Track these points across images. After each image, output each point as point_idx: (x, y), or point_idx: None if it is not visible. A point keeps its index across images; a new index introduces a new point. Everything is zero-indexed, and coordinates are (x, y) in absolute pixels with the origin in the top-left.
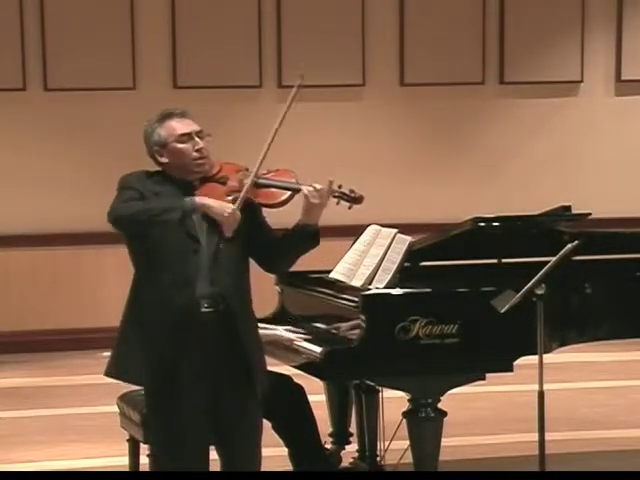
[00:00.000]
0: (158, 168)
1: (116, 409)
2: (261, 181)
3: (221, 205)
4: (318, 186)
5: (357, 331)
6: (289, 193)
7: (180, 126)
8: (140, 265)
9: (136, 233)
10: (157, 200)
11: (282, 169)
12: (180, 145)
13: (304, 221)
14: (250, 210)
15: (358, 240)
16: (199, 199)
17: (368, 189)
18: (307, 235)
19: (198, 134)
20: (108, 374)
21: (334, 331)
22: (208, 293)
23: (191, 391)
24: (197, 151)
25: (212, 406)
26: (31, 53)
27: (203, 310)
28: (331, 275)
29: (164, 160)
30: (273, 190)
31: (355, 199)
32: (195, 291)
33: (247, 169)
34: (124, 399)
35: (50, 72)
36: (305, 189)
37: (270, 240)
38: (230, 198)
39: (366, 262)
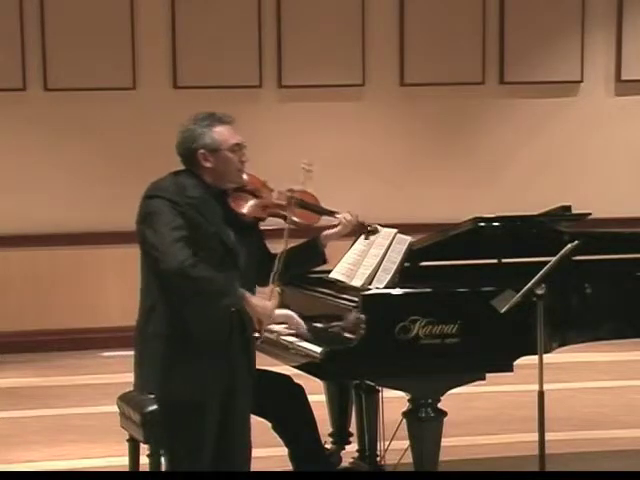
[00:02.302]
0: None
1: (116, 409)
2: (303, 203)
3: (264, 310)
4: (350, 216)
5: (357, 331)
6: (322, 217)
7: (233, 135)
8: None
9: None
10: (219, 275)
11: (307, 191)
12: (230, 154)
13: (322, 241)
14: (255, 228)
15: (358, 240)
16: (248, 296)
17: (367, 189)
18: (318, 252)
19: (243, 145)
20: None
21: (334, 331)
22: None
23: (214, 391)
24: (242, 163)
25: (224, 405)
26: (31, 53)
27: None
28: (331, 275)
29: (207, 164)
30: (310, 213)
31: (371, 231)
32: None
33: (265, 182)
34: (124, 399)
35: (50, 72)
36: (342, 217)
37: (268, 256)
38: (266, 214)
39: (366, 262)
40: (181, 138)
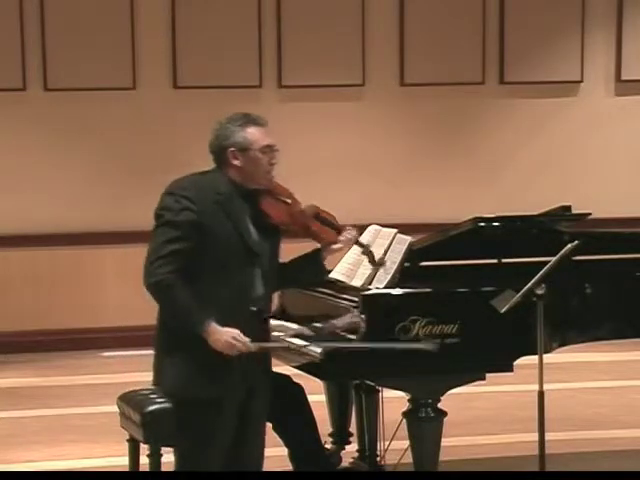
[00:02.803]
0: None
1: (116, 409)
2: (326, 219)
3: (223, 348)
4: (352, 234)
5: (355, 331)
6: (334, 232)
7: (264, 136)
8: (197, 281)
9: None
10: (189, 304)
11: (328, 211)
12: (260, 155)
13: (323, 254)
14: (278, 232)
15: (358, 240)
16: (211, 331)
17: (368, 189)
18: (319, 265)
19: (274, 148)
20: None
21: (334, 331)
22: (259, 295)
23: (233, 390)
24: (271, 165)
25: (243, 407)
26: (31, 53)
27: (251, 309)
28: (331, 275)
29: (236, 163)
30: (330, 230)
31: (376, 263)
32: (252, 295)
33: (292, 194)
34: (124, 399)
35: (50, 72)
36: (344, 237)
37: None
38: (291, 222)
39: (366, 262)
40: (214, 135)
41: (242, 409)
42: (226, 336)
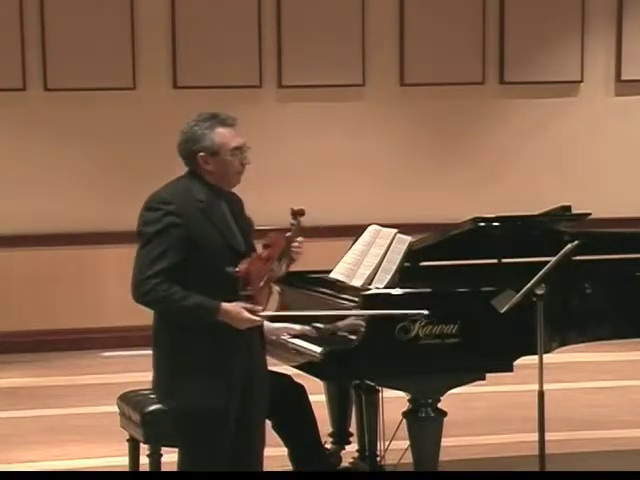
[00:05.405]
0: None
1: (116, 409)
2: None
3: (246, 323)
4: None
5: (357, 331)
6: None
7: (233, 138)
8: (189, 289)
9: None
10: (190, 297)
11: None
12: (230, 158)
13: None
14: (252, 226)
15: (358, 240)
16: (227, 311)
17: (368, 189)
18: None
19: (245, 147)
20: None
21: (334, 330)
22: None
23: (236, 397)
24: (242, 165)
25: (242, 403)
26: (31, 53)
27: None
28: (331, 275)
29: (207, 167)
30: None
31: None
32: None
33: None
34: (124, 399)
35: (50, 72)
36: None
37: None
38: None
39: (366, 262)
40: (182, 139)
41: (242, 406)
42: (242, 314)
